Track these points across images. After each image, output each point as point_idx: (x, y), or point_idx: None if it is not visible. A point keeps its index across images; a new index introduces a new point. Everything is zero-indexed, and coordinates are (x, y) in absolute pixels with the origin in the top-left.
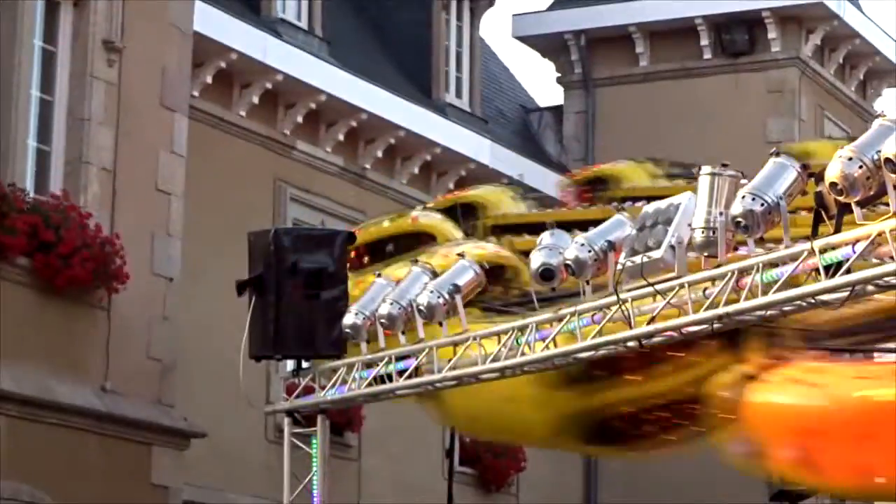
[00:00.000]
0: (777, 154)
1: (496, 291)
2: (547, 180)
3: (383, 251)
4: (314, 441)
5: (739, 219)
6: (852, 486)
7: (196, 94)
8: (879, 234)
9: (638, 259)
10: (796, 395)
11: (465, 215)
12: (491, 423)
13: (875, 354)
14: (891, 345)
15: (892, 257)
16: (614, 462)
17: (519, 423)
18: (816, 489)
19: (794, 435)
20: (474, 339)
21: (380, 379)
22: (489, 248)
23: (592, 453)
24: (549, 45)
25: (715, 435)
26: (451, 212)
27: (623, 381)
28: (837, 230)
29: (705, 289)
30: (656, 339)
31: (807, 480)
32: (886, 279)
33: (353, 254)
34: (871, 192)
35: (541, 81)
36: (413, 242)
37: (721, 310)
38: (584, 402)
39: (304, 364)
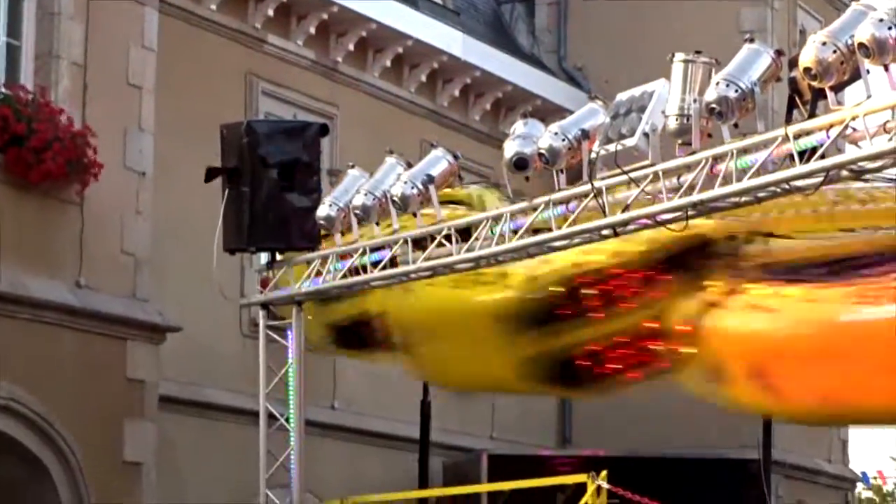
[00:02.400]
0: (751, 40)
1: None
2: (517, 71)
3: None
4: (289, 334)
5: (713, 105)
6: (810, 409)
7: None
8: (853, 119)
9: (612, 147)
10: (754, 319)
11: None
12: (460, 372)
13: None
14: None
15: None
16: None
17: (486, 369)
18: (775, 413)
19: (752, 359)
20: (448, 229)
21: (354, 270)
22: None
23: (558, 395)
24: None
25: (677, 370)
26: None
27: (586, 320)
28: (811, 115)
29: (679, 176)
30: (630, 227)
31: (766, 405)
32: (860, 164)
33: None
34: (845, 77)
35: None
36: None
37: (695, 197)
38: (549, 343)
39: (279, 256)
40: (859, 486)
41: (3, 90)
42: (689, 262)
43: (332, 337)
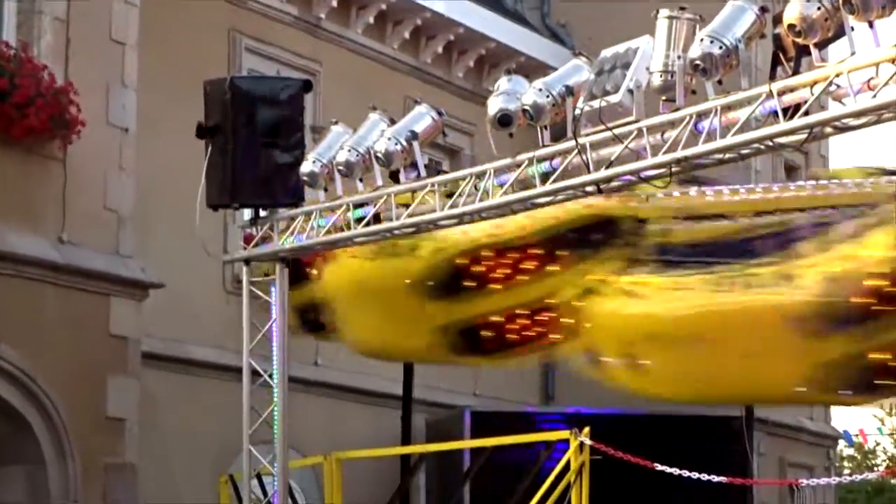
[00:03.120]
0: None
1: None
2: (501, 28)
3: None
4: (273, 290)
5: (698, 62)
6: (676, 391)
7: None
8: (837, 76)
9: (596, 104)
10: (625, 305)
11: None
12: (382, 343)
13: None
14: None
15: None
16: None
17: (401, 339)
18: (646, 392)
19: (623, 341)
20: (432, 185)
21: (338, 227)
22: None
23: (464, 363)
24: None
25: (568, 344)
26: None
27: (489, 290)
28: (795, 72)
29: (663, 132)
30: (614, 184)
31: (636, 384)
32: (844, 121)
33: None
34: (830, 34)
35: None
36: None
37: (679, 153)
38: (455, 313)
39: (262, 213)
40: (841, 443)
41: None
42: (592, 240)
43: (298, 320)
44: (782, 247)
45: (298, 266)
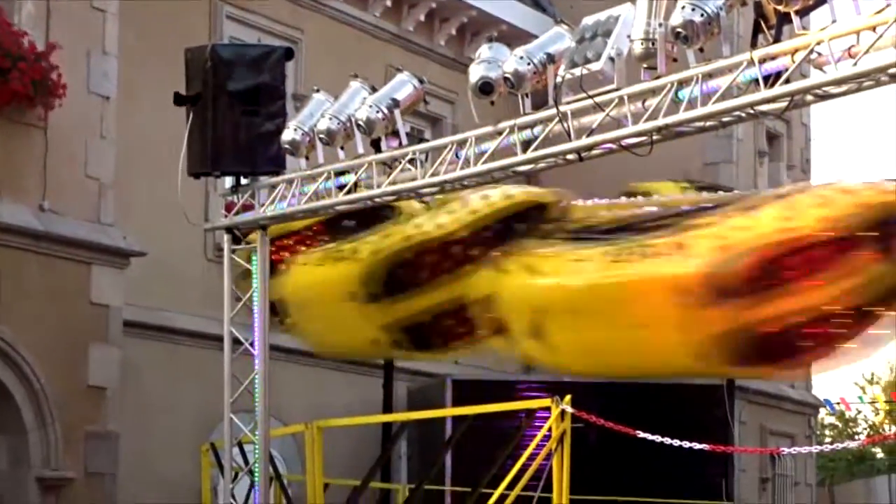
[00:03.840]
0: None
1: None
2: None
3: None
4: (254, 258)
5: (679, 29)
6: (583, 363)
7: None
8: (818, 44)
9: (577, 71)
10: (529, 281)
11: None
12: (333, 344)
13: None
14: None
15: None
16: None
17: (351, 338)
18: (556, 366)
19: (530, 317)
20: (413, 153)
21: (319, 195)
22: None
23: (409, 358)
24: None
25: (500, 336)
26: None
27: (415, 292)
28: (777, 40)
29: (644, 100)
30: (595, 152)
31: (547, 360)
32: (825, 89)
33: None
34: (810, 2)
35: None
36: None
37: (660, 121)
38: (390, 314)
39: (243, 181)
40: (822, 411)
41: None
42: (516, 228)
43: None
44: (679, 218)
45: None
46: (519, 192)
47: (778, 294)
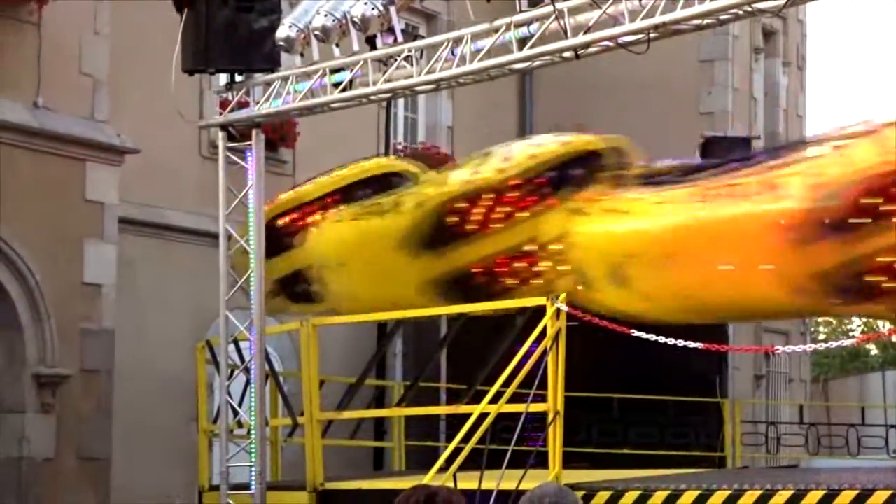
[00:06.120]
0: None
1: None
2: None
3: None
4: (249, 155)
5: None
6: (668, 308)
7: None
8: None
9: None
10: (609, 223)
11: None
12: (369, 297)
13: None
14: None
15: None
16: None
17: (392, 295)
18: (637, 313)
19: (610, 261)
20: (409, 51)
21: (314, 92)
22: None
23: (460, 310)
24: None
25: (561, 280)
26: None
27: (474, 238)
28: None
29: None
30: (591, 50)
31: (628, 306)
32: None
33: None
34: None
35: None
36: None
37: (657, 19)
38: (441, 265)
39: (238, 78)
40: None
41: None
42: (573, 175)
43: (279, 291)
44: (762, 161)
45: (279, 237)
46: (575, 138)
47: (880, 228)
